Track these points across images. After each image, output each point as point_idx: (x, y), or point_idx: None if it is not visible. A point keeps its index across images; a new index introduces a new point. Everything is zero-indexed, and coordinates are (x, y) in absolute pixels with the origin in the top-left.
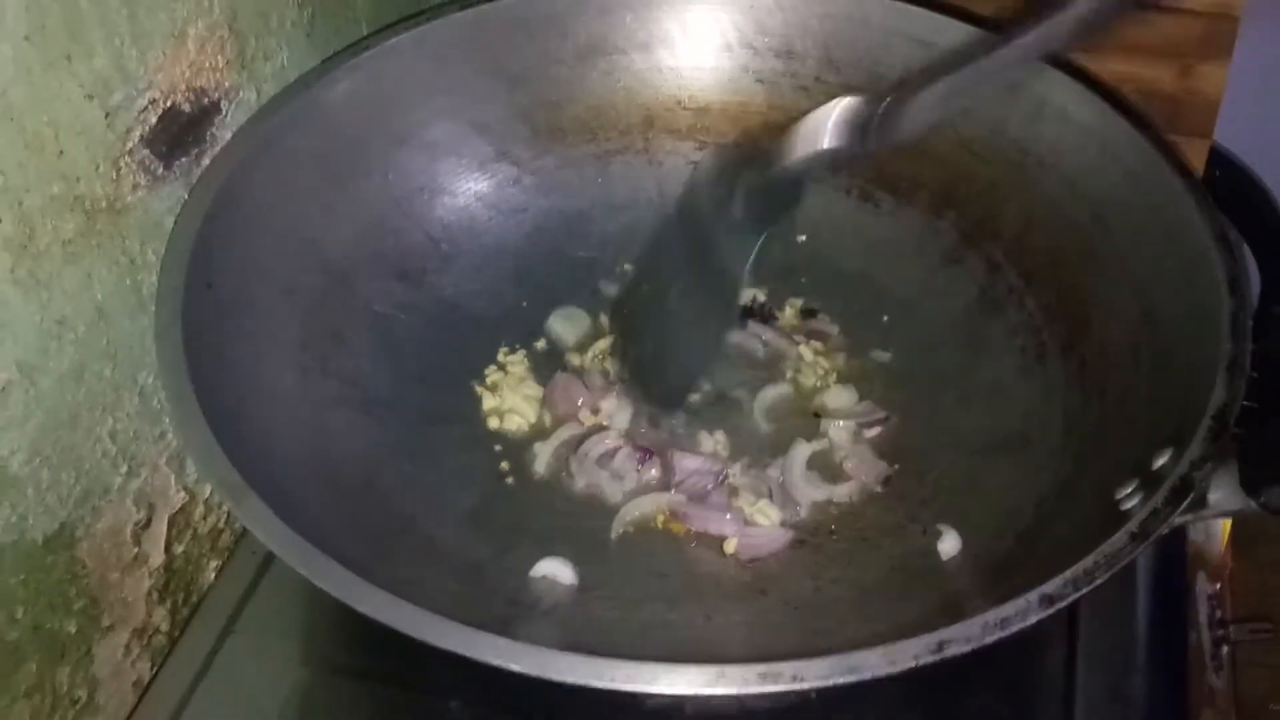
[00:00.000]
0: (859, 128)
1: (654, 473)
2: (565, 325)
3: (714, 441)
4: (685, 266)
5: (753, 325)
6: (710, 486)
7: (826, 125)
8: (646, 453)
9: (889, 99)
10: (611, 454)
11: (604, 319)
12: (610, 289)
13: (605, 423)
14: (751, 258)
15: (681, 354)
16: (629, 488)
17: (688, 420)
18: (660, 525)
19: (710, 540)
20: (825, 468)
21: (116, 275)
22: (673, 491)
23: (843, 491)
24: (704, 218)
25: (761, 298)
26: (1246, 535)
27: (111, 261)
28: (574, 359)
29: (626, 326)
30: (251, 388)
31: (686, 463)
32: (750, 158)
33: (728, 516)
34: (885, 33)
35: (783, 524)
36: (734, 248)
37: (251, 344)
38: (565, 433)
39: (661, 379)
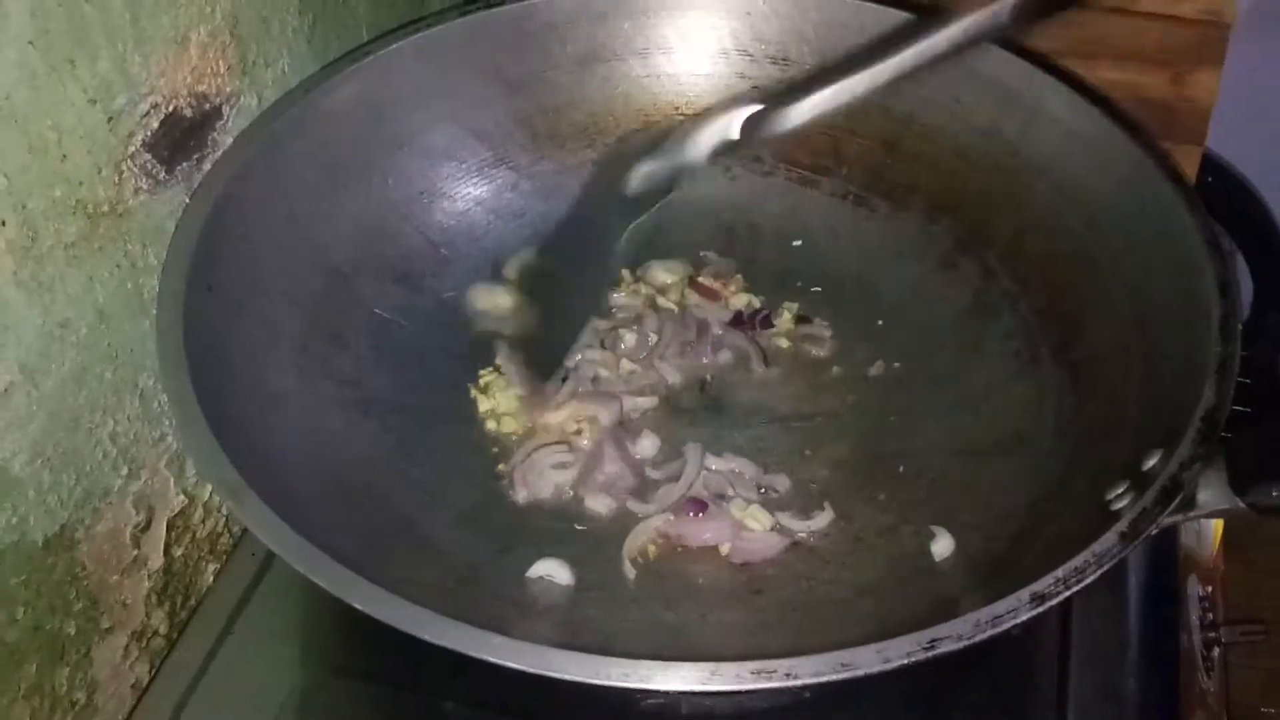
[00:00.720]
0: (754, 123)
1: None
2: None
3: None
4: (578, 244)
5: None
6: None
7: (731, 122)
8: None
9: (781, 102)
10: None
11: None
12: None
13: (582, 429)
14: (623, 239)
15: (558, 327)
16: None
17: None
18: (654, 554)
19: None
20: None
21: (118, 278)
22: (665, 514)
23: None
24: (599, 193)
25: (757, 304)
26: (1238, 538)
27: (113, 264)
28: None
29: (528, 294)
30: (252, 389)
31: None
32: (652, 142)
33: (721, 524)
34: (880, 40)
35: (774, 529)
36: (615, 225)
37: (252, 346)
38: (533, 443)
39: (540, 350)
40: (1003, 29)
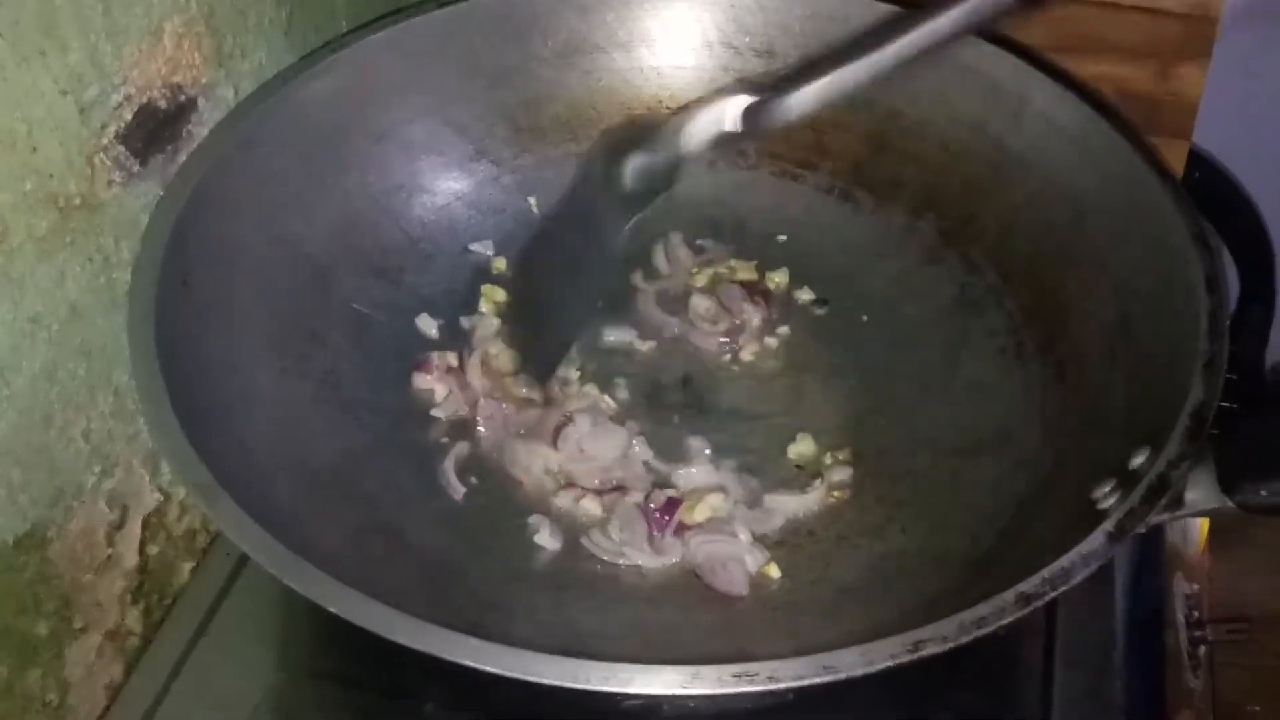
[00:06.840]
0: (754, 114)
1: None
2: None
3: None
4: (575, 234)
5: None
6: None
7: (728, 113)
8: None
9: (779, 89)
10: None
11: None
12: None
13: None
14: (625, 232)
15: (555, 320)
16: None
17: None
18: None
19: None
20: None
21: (91, 273)
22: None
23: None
24: (594, 188)
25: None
26: (1224, 536)
27: (86, 259)
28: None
29: (520, 285)
30: (226, 386)
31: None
32: (645, 134)
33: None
34: (870, 32)
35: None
36: (614, 221)
37: (227, 342)
38: None
39: (536, 342)
40: (994, 18)
